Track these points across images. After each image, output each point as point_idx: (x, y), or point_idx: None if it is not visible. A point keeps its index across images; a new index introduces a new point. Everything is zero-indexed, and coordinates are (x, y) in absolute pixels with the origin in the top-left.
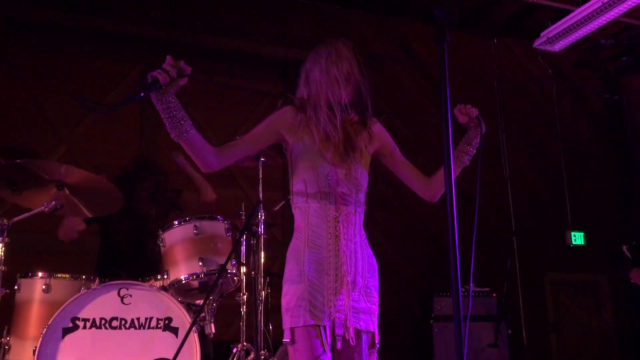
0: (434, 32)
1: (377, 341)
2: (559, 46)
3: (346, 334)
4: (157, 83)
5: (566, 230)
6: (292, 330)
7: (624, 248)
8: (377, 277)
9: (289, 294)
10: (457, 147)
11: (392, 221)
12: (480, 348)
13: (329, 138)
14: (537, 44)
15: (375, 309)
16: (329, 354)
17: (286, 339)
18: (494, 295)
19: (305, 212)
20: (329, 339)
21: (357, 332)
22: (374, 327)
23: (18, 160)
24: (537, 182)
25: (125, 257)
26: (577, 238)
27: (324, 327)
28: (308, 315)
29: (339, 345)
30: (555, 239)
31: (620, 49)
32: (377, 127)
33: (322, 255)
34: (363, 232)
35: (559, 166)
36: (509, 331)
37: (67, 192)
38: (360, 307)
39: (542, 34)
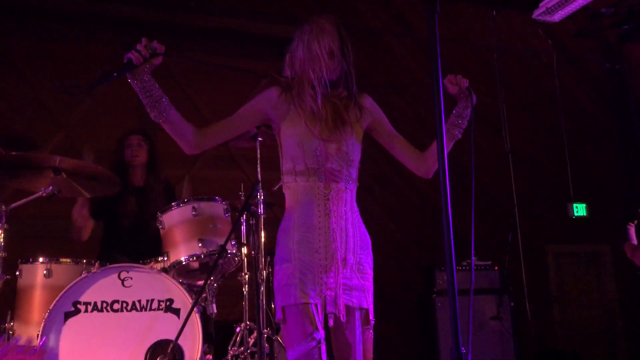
0: (424, 2)
1: (371, 318)
2: (558, 16)
3: (337, 311)
4: (130, 63)
5: (568, 202)
6: (283, 309)
7: (630, 227)
8: (370, 253)
9: (280, 273)
10: (448, 120)
11: (394, 197)
12: (483, 321)
13: (316, 114)
14: (536, 14)
15: (369, 285)
16: (322, 331)
17: (278, 318)
18: (496, 268)
19: (295, 190)
20: (321, 317)
21: (350, 309)
22: (367, 303)
23: (13, 153)
24: (538, 154)
25: (129, 239)
26: (579, 209)
27: (315, 305)
28: (298, 294)
29: (331, 323)
30: (558, 211)
31: (621, 17)
32: (369, 102)
33: (312, 233)
34: (355, 209)
35: (560, 137)
36: (512, 304)
37: (64, 176)
38: (353, 284)
39: (541, 5)
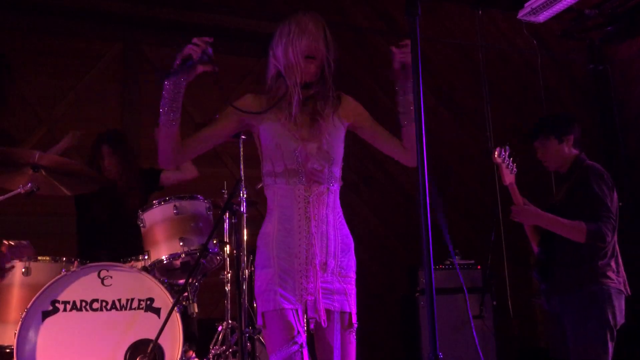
0: (405, 5)
1: (354, 321)
2: (543, 17)
3: (317, 317)
4: (190, 58)
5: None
6: (263, 314)
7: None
8: (353, 256)
9: (260, 278)
10: (399, 103)
11: (378, 196)
12: (465, 320)
13: (293, 115)
14: (521, 14)
15: (351, 288)
16: (303, 336)
17: (259, 324)
18: (479, 267)
19: (275, 193)
20: (302, 322)
21: (331, 313)
22: (350, 307)
23: None
24: (521, 152)
25: (107, 237)
26: None
27: (296, 310)
28: (278, 299)
29: (311, 327)
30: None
31: (605, 18)
32: (349, 101)
33: (291, 238)
34: (338, 210)
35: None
36: (494, 303)
37: (43, 172)
38: (334, 287)
39: (526, 5)
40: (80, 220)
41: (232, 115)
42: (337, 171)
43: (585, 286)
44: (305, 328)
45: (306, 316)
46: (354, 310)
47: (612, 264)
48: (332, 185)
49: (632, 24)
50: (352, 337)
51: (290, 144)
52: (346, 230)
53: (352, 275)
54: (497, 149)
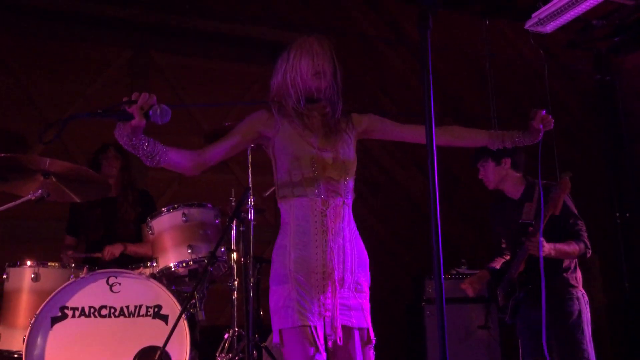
0: (417, 18)
1: (372, 337)
2: (550, 27)
3: (333, 334)
4: (125, 113)
5: None
6: (280, 332)
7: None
8: (367, 271)
9: (276, 294)
10: (510, 130)
11: (384, 203)
12: (470, 330)
13: (309, 127)
14: (528, 25)
15: (366, 303)
16: (323, 354)
17: (276, 341)
18: None
19: (291, 205)
20: (322, 339)
21: (349, 329)
22: (366, 322)
23: (2, 155)
24: (528, 162)
25: (101, 247)
26: None
27: (315, 328)
28: (296, 316)
29: (329, 345)
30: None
31: (612, 29)
32: (354, 115)
33: (308, 252)
34: (353, 224)
35: (550, 147)
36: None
37: (53, 179)
38: (351, 303)
39: (533, 15)
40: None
41: (250, 127)
42: (352, 183)
43: (563, 295)
44: (324, 346)
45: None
46: (370, 326)
47: (578, 274)
48: (348, 197)
49: (639, 35)
50: (372, 353)
51: (309, 153)
52: (361, 244)
53: (367, 290)
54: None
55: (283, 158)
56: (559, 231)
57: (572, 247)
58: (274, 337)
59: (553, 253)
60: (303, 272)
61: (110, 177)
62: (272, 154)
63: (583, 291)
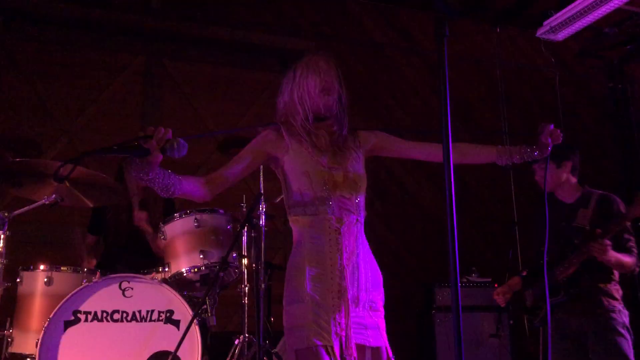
0: (434, 26)
1: (391, 355)
2: (562, 35)
3: (347, 354)
4: (141, 148)
5: None
6: (296, 352)
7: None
8: (382, 289)
9: (291, 313)
10: (518, 145)
11: (393, 211)
12: (482, 338)
13: (318, 145)
14: (540, 32)
15: (382, 322)
16: None
17: None
18: (496, 285)
19: (303, 224)
20: (339, 358)
21: (366, 348)
22: (383, 341)
23: (18, 159)
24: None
25: (126, 251)
26: None
27: (331, 347)
28: (312, 336)
29: None
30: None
31: (624, 37)
32: (361, 132)
33: (323, 271)
34: (366, 242)
35: None
36: (511, 322)
37: (67, 184)
38: (367, 322)
39: (545, 23)
40: (104, 235)
41: (259, 149)
42: (363, 200)
43: (609, 307)
44: None
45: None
46: (387, 344)
47: (620, 288)
48: (360, 215)
49: None
50: None
51: (319, 172)
52: (375, 263)
53: (382, 309)
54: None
55: (293, 178)
56: (613, 243)
57: (629, 260)
58: (289, 358)
59: (613, 260)
60: (319, 291)
61: (135, 189)
62: (282, 174)
63: (623, 304)
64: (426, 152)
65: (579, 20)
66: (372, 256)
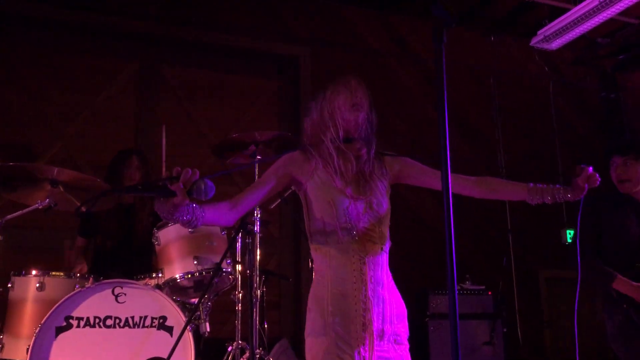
0: (432, 32)
1: None
2: (555, 44)
3: None
4: (165, 190)
5: (561, 228)
6: None
7: None
8: (406, 322)
9: (315, 347)
10: (551, 185)
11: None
12: (475, 346)
13: (343, 172)
14: (534, 41)
15: (407, 356)
16: None
17: None
18: (490, 293)
19: (326, 253)
20: None
21: None
22: None
23: (11, 164)
24: (533, 179)
25: (116, 257)
26: (572, 235)
27: None
28: None
29: None
30: (551, 236)
31: (617, 47)
32: (387, 158)
33: (347, 303)
34: (390, 273)
35: (555, 163)
36: (504, 329)
37: (61, 189)
38: (391, 356)
39: (539, 32)
40: (94, 239)
41: (284, 170)
42: (386, 230)
43: None
44: None
45: None
46: None
47: None
48: (385, 244)
49: None
50: None
51: (343, 201)
52: (398, 294)
53: (406, 342)
54: None
55: (316, 205)
56: None
57: None
58: None
59: None
60: (342, 324)
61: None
62: (304, 199)
63: None
64: (455, 183)
65: (573, 29)
66: (395, 287)
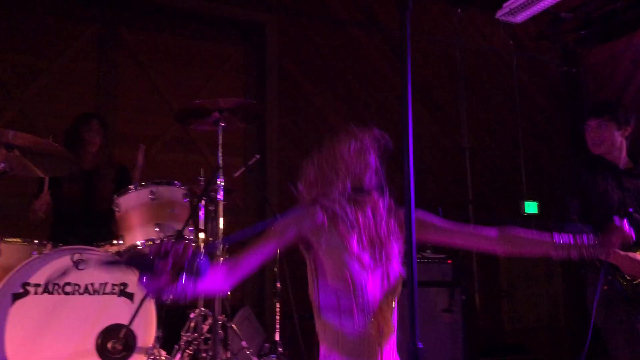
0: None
1: None
2: (520, 17)
3: None
4: (154, 269)
5: (520, 199)
6: None
7: None
8: None
9: None
10: (578, 238)
11: None
12: (435, 312)
13: (358, 234)
14: (499, 14)
15: None
16: None
17: None
18: (449, 262)
19: (337, 335)
20: None
21: None
22: None
23: None
24: (494, 151)
25: (76, 223)
26: (531, 207)
27: None
28: None
29: None
30: (511, 208)
31: (579, 22)
32: (400, 212)
33: None
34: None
35: (516, 137)
36: (463, 297)
37: (17, 153)
38: None
39: (504, 5)
40: (53, 205)
41: (290, 230)
42: (396, 302)
43: None
44: None
45: None
46: None
47: None
48: (395, 320)
49: (604, 29)
50: None
51: (362, 275)
52: None
53: None
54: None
55: (329, 276)
56: None
57: None
58: None
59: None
60: None
61: (88, 150)
62: (313, 266)
63: None
64: (471, 240)
65: (538, 3)
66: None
